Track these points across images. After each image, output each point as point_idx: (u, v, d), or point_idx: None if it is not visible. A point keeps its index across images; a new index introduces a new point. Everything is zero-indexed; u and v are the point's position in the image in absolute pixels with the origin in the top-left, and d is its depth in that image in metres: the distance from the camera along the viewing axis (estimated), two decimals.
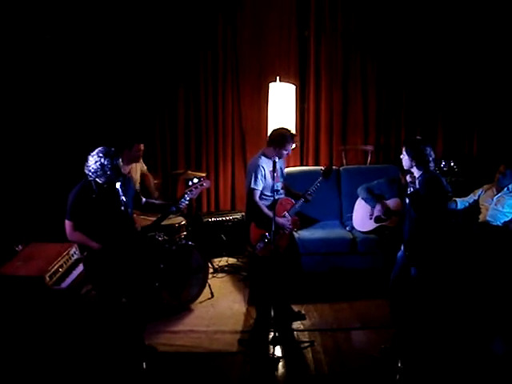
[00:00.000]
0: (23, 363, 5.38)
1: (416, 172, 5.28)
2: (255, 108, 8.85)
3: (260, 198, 6.07)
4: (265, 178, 6.03)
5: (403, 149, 5.32)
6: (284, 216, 6.16)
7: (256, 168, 6.02)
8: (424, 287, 5.29)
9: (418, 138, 5.53)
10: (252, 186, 6.01)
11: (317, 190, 6.20)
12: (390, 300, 5.64)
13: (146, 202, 5.77)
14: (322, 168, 6.34)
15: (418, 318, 5.43)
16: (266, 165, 6.04)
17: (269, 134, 6.29)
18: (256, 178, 6.00)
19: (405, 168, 5.34)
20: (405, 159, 5.31)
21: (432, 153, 5.26)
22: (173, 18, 8.62)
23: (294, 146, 6.24)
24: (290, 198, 6.28)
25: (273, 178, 5.92)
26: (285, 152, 6.09)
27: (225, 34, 8.79)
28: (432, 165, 5.27)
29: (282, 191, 6.22)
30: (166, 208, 5.80)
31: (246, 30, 8.79)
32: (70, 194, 5.23)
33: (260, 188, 6.04)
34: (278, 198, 6.10)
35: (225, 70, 8.90)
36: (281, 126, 6.48)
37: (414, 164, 5.25)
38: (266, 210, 6.00)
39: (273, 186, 5.92)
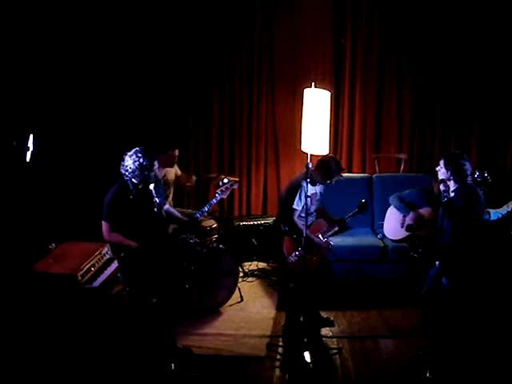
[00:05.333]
0: (53, 360, 5.43)
1: (452, 184, 5.21)
2: (289, 113, 8.86)
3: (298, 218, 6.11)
4: (305, 199, 6.06)
5: (441, 162, 5.24)
6: (318, 237, 6.18)
7: (300, 188, 6.02)
8: (456, 298, 5.24)
9: (457, 151, 5.45)
10: (294, 206, 6.05)
11: (352, 220, 6.30)
12: (421, 311, 5.59)
13: (166, 210, 5.80)
14: (361, 202, 6.31)
15: (450, 329, 5.39)
16: (308, 187, 6.05)
17: (320, 159, 6.23)
18: (299, 198, 6.02)
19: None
20: (442, 172, 5.23)
21: (470, 167, 5.18)
22: (210, 22, 8.68)
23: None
24: (324, 221, 6.31)
25: (311, 200, 6.01)
26: (329, 181, 6.13)
27: (261, 38, 8.82)
28: (470, 179, 5.21)
29: (314, 214, 6.24)
30: (183, 223, 5.88)
31: (282, 35, 8.82)
32: (106, 195, 5.25)
33: (300, 208, 6.06)
34: (313, 221, 6.16)
35: (260, 75, 8.92)
36: (332, 155, 6.46)
37: (451, 178, 5.18)
38: (304, 230, 5.98)
39: (308, 209, 5.96)
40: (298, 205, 6.04)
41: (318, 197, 6.23)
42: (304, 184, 5.98)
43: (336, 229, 6.28)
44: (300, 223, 6.03)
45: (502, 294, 6.38)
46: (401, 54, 8.72)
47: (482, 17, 8.39)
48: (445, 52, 8.57)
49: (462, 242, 5.13)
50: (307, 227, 5.85)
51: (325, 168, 6.09)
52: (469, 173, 5.17)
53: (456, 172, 5.14)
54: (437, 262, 5.38)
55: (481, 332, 5.94)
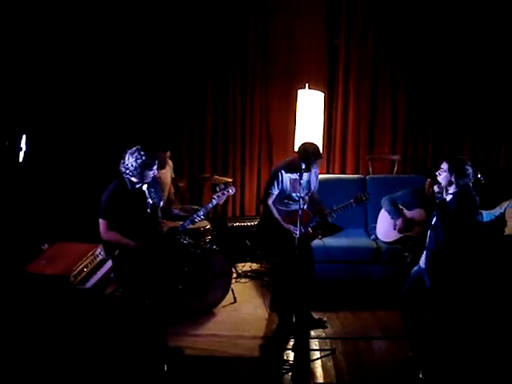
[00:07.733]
0: (45, 361, 5.41)
1: (452, 188, 5.19)
2: (283, 114, 8.85)
3: (281, 203, 6.21)
4: (282, 183, 6.13)
5: (444, 165, 5.19)
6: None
7: (274, 173, 6.21)
8: (441, 299, 5.25)
9: (461, 156, 5.44)
10: (268, 189, 6.18)
11: (343, 211, 6.30)
12: (402, 311, 5.61)
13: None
14: (360, 196, 6.39)
15: (434, 330, 5.40)
16: (288, 171, 6.13)
17: (299, 147, 6.29)
18: (272, 183, 6.14)
19: (442, 184, 5.25)
20: (445, 176, 5.18)
21: (473, 172, 5.18)
22: (204, 22, 8.67)
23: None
24: (308, 211, 6.31)
25: (293, 186, 6.10)
26: (310, 165, 6.11)
27: (255, 39, 8.82)
28: (471, 185, 5.21)
29: (301, 202, 6.13)
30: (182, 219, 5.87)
31: (276, 36, 8.80)
32: (103, 194, 5.24)
33: (275, 192, 6.17)
34: (295, 210, 6.08)
35: (254, 75, 8.91)
36: (311, 142, 6.43)
37: (454, 181, 5.16)
38: (276, 215, 6.17)
39: (290, 195, 6.05)
40: (271, 189, 6.16)
41: (305, 184, 6.18)
42: (281, 169, 6.17)
43: (317, 220, 6.28)
44: (273, 208, 6.19)
45: (494, 294, 6.40)
46: (395, 55, 8.72)
47: (476, 22, 8.42)
48: (439, 53, 8.58)
49: (453, 245, 5.14)
50: (288, 214, 6.14)
51: (305, 156, 6.05)
52: (471, 178, 5.18)
53: (459, 177, 5.13)
54: (421, 263, 5.39)
55: (471, 331, 5.97)
